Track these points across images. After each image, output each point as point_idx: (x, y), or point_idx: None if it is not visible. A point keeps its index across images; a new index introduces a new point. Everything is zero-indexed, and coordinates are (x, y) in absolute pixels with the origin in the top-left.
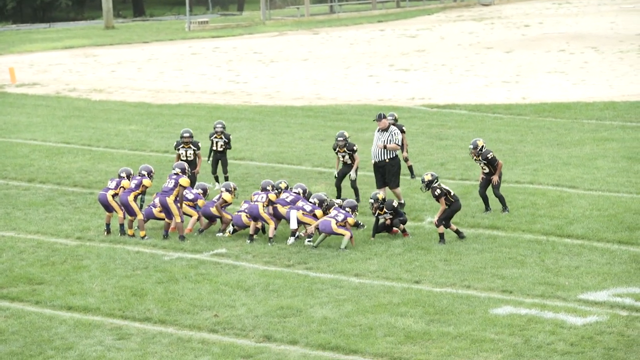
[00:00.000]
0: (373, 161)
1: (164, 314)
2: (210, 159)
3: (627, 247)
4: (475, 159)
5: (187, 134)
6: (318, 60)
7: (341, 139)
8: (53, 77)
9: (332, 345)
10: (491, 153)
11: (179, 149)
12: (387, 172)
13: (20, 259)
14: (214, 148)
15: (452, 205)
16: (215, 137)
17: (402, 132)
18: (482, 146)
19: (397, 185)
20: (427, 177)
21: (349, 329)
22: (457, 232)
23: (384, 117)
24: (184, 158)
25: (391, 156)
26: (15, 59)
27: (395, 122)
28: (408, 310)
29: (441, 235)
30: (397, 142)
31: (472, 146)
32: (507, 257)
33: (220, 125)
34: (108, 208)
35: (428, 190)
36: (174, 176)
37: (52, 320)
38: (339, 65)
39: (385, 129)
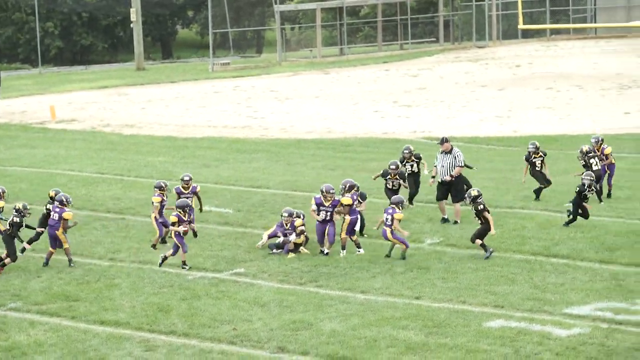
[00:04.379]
0: (440, 179)
1: (187, 328)
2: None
3: (608, 266)
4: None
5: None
6: (328, 98)
7: (407, 151)
8: (89, 114)
9: (339, 355)
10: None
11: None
12: (452, 189)
13: (58, 278)
14: None
15: (485, 224)
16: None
17: (419, 159)
18: (476, 196)
19: (461, 200)
20: (474, 193)
21: (355, 340)
22: (483, 246)
23: (447, 140)
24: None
25: (455, 175)
26: (55, 97)
27: (411, 153)
28: (409, 323)
29: (483, 246)
30: (460, 164)
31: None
32: (499, 275)
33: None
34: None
35: (473, 204)
36: (57, 209)
37: (86, 334)
38: (347, 102)
39: (449, 152)
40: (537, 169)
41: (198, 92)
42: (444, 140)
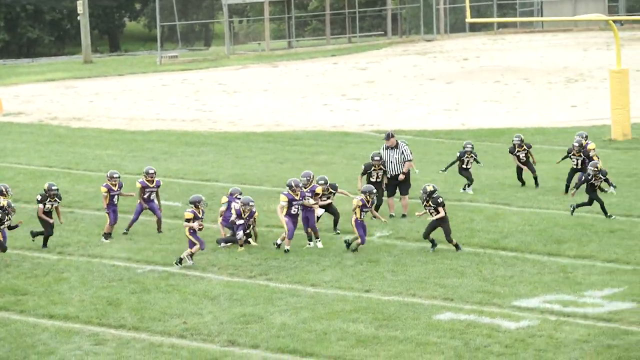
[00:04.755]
0: (389, 175)
1: (137, 322)
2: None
3: (556, 259)
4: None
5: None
6: (277, 91)
7: (377, 158)
8: (36, 107)
9: (290, 348)
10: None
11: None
12: (401, 183)
13: (6, 272)
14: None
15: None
16: None
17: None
18: (431, 191)
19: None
20: (429, 188)
21: (305, 334)
22: (432, 241)
23: (392, 136)
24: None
25: (405, 170)
26: (2, 91)
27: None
28: (359, 316)
29: (432, 240)
30: (409, 158)
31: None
32: (449, 268)
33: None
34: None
35: (428, 200)
36: None
37: (35, 328)
38: (296, 95)
39: (395, 147)
40: (521, 161)
41: (146, 85)
42: (389, 136)
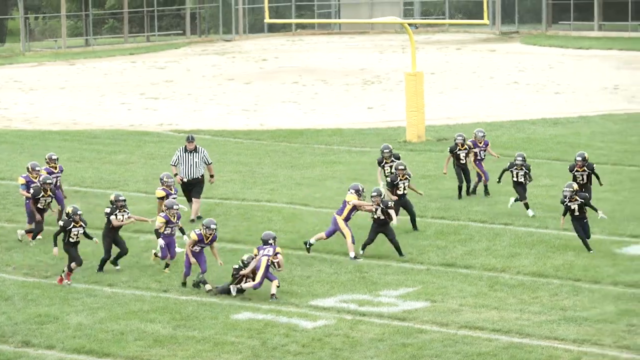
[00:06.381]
0: (185, 179)
1: None
2: None
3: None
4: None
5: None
6: (74, 89)
7: (387, 150)
8: None
9: (86, 349)
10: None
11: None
12: (196, 187)
13: None
14: None
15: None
16: None
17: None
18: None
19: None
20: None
21: (102, 334)
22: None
23: (193, 139)
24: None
25: (202, 174)
26: None
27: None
28: (157, 316)
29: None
30: (208, 162)
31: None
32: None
33: None
34: None
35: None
36: None
37: None
38: (93, 93)
39: (194, 150)
40: (461, 162)
41: None
42: (190, 139)
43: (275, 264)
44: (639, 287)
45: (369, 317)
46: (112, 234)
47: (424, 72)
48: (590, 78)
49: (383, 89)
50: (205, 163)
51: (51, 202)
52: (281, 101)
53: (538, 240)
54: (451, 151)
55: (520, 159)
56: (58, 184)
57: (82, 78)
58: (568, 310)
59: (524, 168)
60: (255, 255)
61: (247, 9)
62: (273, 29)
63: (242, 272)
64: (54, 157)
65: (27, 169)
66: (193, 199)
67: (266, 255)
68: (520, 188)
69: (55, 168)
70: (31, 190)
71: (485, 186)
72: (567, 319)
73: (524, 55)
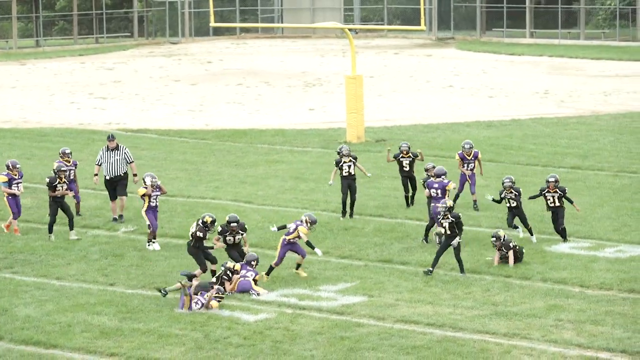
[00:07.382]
0: (108, 177)
1: None
2: None
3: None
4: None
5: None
6: (25, 88)
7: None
8: None
9: (34, 340)
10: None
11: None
12: (120, 185)
13: None
14: None
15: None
16: None
17: (356, 159)
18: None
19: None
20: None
21: (50, 326)
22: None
23: (114, 138)
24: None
25: (125, 171)
26: None
27: (408, 148)
28: (103, 309)
29: None
30: (130, 160)
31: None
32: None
33: None
34: None
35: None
36: None
37: None
38: (44, 93)
39: (115, 148)
40: (405, 169)
41: None
42: (111, 138)
43: (255, 293)
44: (567, 284)
45: (308, 310)
46: (57, 202)
47: (364, 75)
48: (522, 83)
49: (324, 91)
50: (127, 161)
51: (67, 188)
52: (226, 102)
53: (472, 238)
54: (395, 157)
55: (508, 181)
56: (72, 177)
57: (32, 78)
58: (499, 306)
59: (512, 191)
60: (237, 271)
61: (193, 13)
62: (218, 32)
63: (226, 285)
64: (67, 151)
65: (7, 166)
66: (118, 196)
67: (248, 279)
68: (512, 213)
69: (69, 162)
70: (46, 180)
71: (474, 201)
72: (498, 313)
73: (459, 60)
